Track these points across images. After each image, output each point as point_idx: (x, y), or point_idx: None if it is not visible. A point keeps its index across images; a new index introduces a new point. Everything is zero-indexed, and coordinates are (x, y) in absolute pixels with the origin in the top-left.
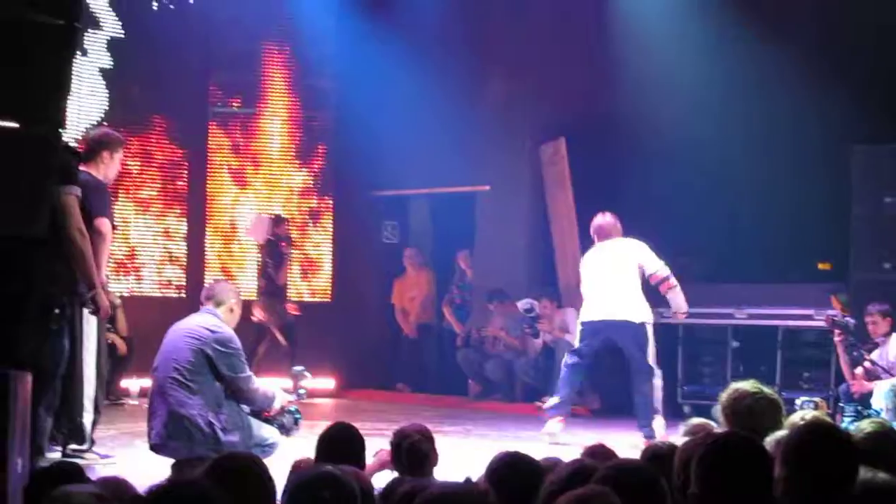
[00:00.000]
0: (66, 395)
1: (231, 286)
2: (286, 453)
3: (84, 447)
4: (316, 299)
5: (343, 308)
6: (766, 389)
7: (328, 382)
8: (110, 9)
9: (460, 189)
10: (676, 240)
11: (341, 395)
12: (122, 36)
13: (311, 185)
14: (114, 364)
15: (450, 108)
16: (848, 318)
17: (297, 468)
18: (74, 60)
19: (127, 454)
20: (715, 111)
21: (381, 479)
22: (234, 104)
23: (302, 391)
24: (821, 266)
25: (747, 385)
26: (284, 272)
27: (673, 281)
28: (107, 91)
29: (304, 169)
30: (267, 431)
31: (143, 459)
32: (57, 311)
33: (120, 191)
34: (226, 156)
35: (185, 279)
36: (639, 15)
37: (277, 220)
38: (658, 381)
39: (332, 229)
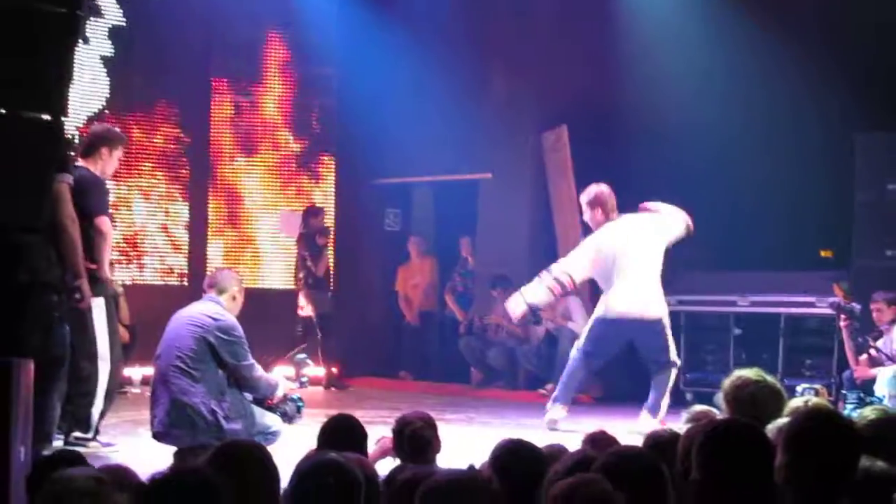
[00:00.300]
0: (75, 386)
1: (233, 274)
2: (289, 441)
3: (88, 435)
4: None
5: (345, 296)
6: (769, 377)
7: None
8: None
9: (462, 177)
10: None
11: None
12: (124, 24)
13: (314, 173)
14: None
15: (452, 95)
16: (853, 304)
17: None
18: (76, 49)
19: (129, 442)
20: (717, 99)
21: (384, 467)
22: (236, 92)
23: (304, 379)
24: (823, 253)
25: (750, 373)
26: (323, 263)
27: None
28: (108, 79)
29: (306, 156)
30: (269, 419)
31: (145, 447)
32: (56, 298)
33: (122, 179)
34: (228, 143)
35: (187, 267)
36: (641, 4)
37: (312, 212)
38: (675, 372)
39: (334, 217)
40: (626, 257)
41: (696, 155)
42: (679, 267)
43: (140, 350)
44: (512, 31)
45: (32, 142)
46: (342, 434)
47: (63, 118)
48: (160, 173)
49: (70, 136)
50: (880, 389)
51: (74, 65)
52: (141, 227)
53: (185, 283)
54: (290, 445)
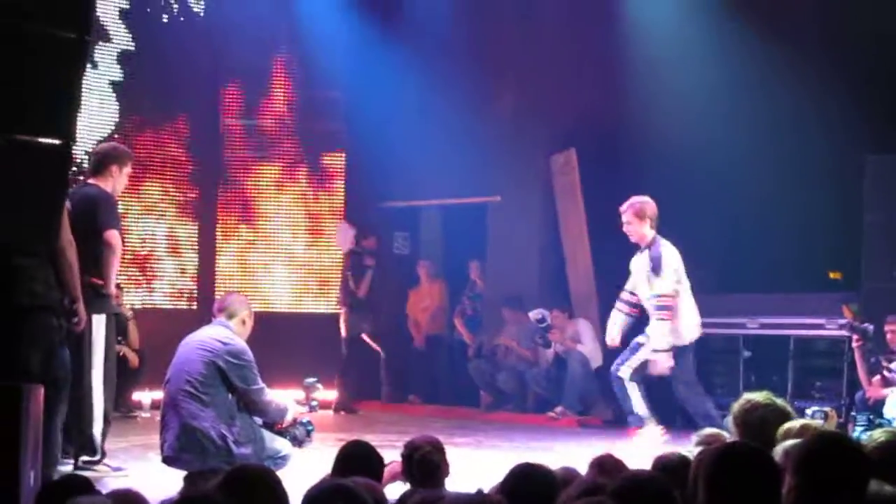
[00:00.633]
0: (76, 407)
1: (243, 298)
2: (299, 465)
3: (95, 458)
4: (328, 310)
5: None
6: (778, 400)
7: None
8: (120, 21)
9: (471, 200)
10: (688, 250)
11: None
12: (133, 48)
13: (323, 196)
14: (126, 377)
15: (460, 119)
16: (867, 324)
17: None
18: (85, 73)
19: (139, 467)
20: (724, 120)
21: (393, 491)
22: (244, 115)
23: (314, 403)
24: (832, 275)
25: (759, 396)
26: (366, 285)
27: None
28: (117, 103)
29: (314, 179)
30: (279, 444)
31: (155, 472)
32: (56, 321)
33: (131, 203)
34: (237, 167)
35: (196, 291)
36: (647, 26)
37: (363, 234)
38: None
39: None
40: (684, 279)
41: (704, 177)
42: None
43: (150, 374)
44: (519, 54)
45: (42, 166)
46: (357, 460)
47: (72, 143)
48: (169, 197)
49: (79, 161)
50: (890, 412)
51: (83, 89)
52: (150, 250)
53: (195, 307)
54: (300, 470)
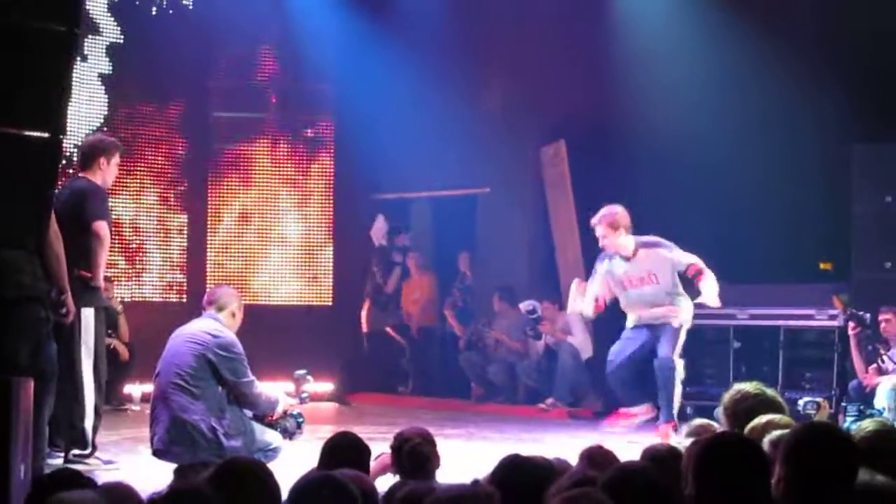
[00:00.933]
0: (66, 401)
1: (233, 290)
2: (289, 457)
3: (86, 452)
4: (317, 302)
5: (344, 311)
6: (769, 391)
7: (330, 386)
8: (109, 14)
9: (461, 192)
10: (676, 241)
11: (343, 399)
12: (121, 41)
13: (313, 188)
14: (116, 370)
15: (450, 110)
16: (864, 312)
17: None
18: (74, 66)
19: (130, 460)
20: (714, 111)
21: (383, 483)
22: (233, 108)
23: (304, 395)
24: (822, 266)
25: (749, 386)
26: (394, 280)
27: None
28: (106, 96)
29: (304, 172)
30: (270, 436)
31: (146, 465)
32: (44, 313)
33: (121, 196)
34: (226, 159)
35: (186, 284)
36: (637, 17)
37: (399, 229)
38: None
39: (332, 232)
40: None
41: (693, 168)
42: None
43: (139, 367)
44: (509, 47)
45: (31, 159)
46: (344, 452)
47: (62, 136)
48: (158, 189)
49: (69, 154)
50: (880, 402)
51: (73, 82)
52: (140, 243)
53: (185, 300)
54: (291, 462)
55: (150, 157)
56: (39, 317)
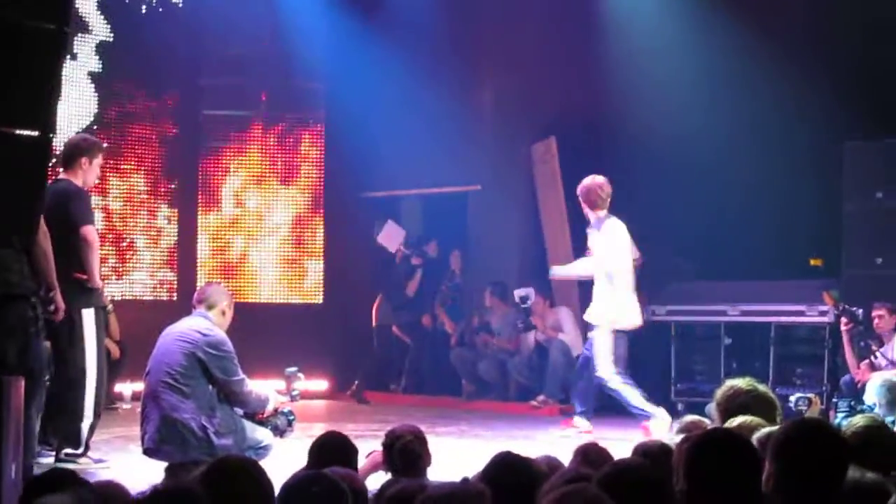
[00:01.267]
0: (66, 401)
1: (223, 289)
2: (280, 455)
3: (78, 451)
4: (307, 300)
5: (335, 309)
6: (761, 387)
7: (321, 384)
8: (99, 12)
9: (451, 189)
10: (668, 238)
11: (334, 397)
12: (111, 39)
13: (303, 186)
14: (107, 368)
15: (440, 108)
16: (856, 308)
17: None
18: (64, 64)
19: (121, 458)
20: (705, 109)
21: (375, 481)
22: (223, 106)
23: (295, 392)
24: (813, 262)
25: (742, 382)
26: (415, 284)
27: None
28: (96, 94)
29: (295, 170)
30: (260, 434)
31: (137, 464)
32: (32, 312)
33: (110, 194)
34: (216, 157)
35: (176, 282)
36: (628, 15)
37: (427, 238)
38: None
39: (323, 230)
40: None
41: (684, 165)
42: (668, 277)
43: (130, 366)
44: (500, 45)
45: (21, 158)
46: (332, 451)
47: (52, 134)
48: (149, 187)
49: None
50: (869, 398)
51: (62, 81)
52: (130, 241)
53: (175, 299)
54: (282, 459)
55: (139, 156)
56: (28, 315)
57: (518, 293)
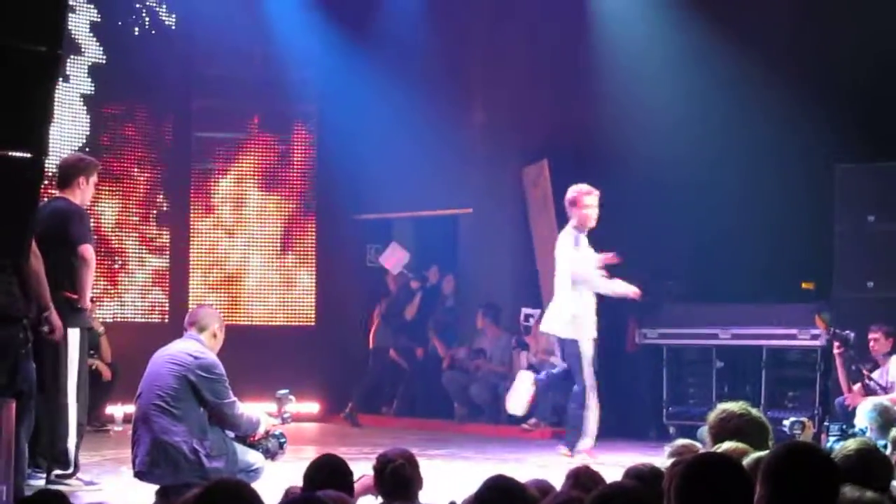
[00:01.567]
0: (50, 421)
1: (214, 311)
2: (272, 478)
3: (68, 472)
4: (299, 323)
5: (326, 331)
6: (753, 410)
7: (313, 406)
8: (92, 34)
9: (443, 212)
10: (660, 261)
11: (326, 420)
12: (104, 61)
13: (295, 208)
14: (98, 390)
15: (432, 131)
16: (848, 332)
17: (288, 495)
18: (57, 86)
19: (112, 481)
20: (696, 132)
21: None
22: (216, 128)
23: (287, 415)
24: (804, 285)
25: (735, 406)
26: (414, 307)
27: None
28: (88, 116)
29: (287, 192)
30: (252, 456)
31: (128, 486)
32: (21, 333)
33: (102, 215)
34: (208, 179)
35: (168, 304)
36: (619, 38)
37: (427, 266)
38: None
39: (314, 252)
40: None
41: (676, 187)
42: (660, 300)
43: (121, 388)
44: (491, 68)
45: (13, 180)
46: (327, 473)
47: (44, 156)
48: (140, 209)
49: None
50: (860, 422)
51: (55, 102)
52: (122, 264)
53: (166, 321)
54: (274, 482)
55: (132, 177)
56: (16, 336)
57: (526, 311)
